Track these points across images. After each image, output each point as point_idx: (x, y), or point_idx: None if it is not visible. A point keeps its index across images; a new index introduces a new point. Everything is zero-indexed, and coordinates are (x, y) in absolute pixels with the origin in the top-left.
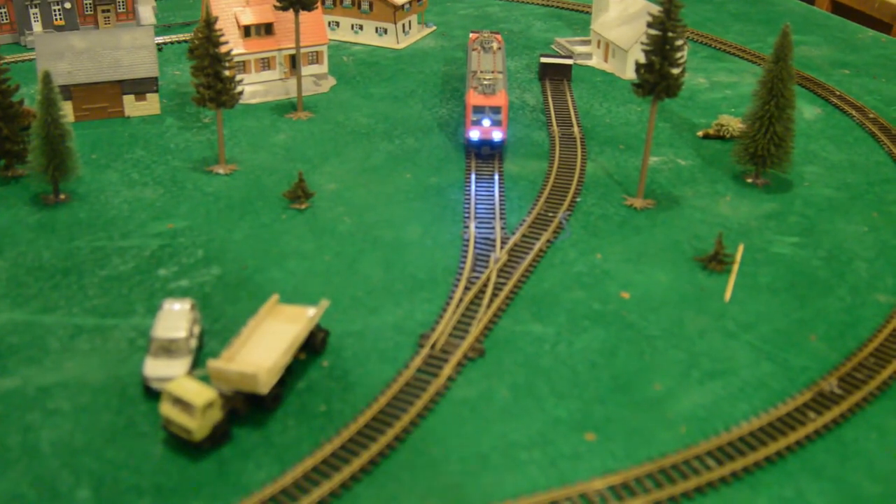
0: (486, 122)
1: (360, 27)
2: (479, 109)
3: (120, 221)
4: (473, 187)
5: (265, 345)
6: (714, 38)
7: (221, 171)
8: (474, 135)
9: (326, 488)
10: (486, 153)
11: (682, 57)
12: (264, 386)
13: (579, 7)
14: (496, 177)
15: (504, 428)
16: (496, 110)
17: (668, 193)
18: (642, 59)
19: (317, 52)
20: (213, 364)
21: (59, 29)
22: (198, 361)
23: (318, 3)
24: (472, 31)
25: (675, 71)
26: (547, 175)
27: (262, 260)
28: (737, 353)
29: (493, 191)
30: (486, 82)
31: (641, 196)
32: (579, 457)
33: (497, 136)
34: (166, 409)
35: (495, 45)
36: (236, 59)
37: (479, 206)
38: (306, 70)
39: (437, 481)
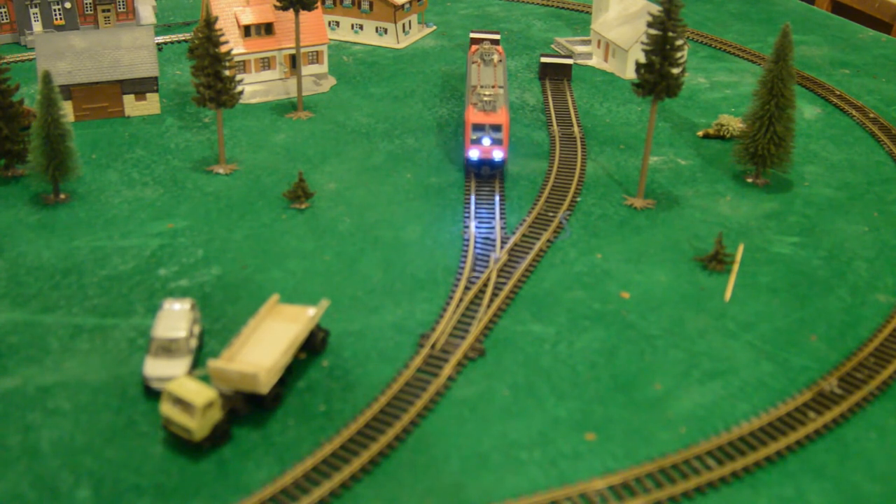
0: (486, 141)
1: (360, 27)
2: (478, 127)
3: (120, 221)
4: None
5: (265, 344)
6: (714, 37)
7: (221, 170)
8: (473, 154)
9: (326, 488)
10: (487, 174)
11: (682, 57)
12: (264, 386)
13: (579, 7)
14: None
15: (504, 428)
16: (497, 128)
17: (668, 193)
18: (642, 59)
19: (317, 51)
20: (214, 364)
21: (59, 29)
22: (198, 361)
23: (318, 3)
24: (472, 32)
25: (675, 71)
26: (547, 175)
27: (262, 260)
28: (737, 353)
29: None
30: (486, 98)
31: (641, 196)
32: (579, 457)
33: (498, 155)
34: (166, 408)
35: (496, 57)
36: (236, 58)
37: (478, 208)
38: (306, 70)
39: (437, 481)
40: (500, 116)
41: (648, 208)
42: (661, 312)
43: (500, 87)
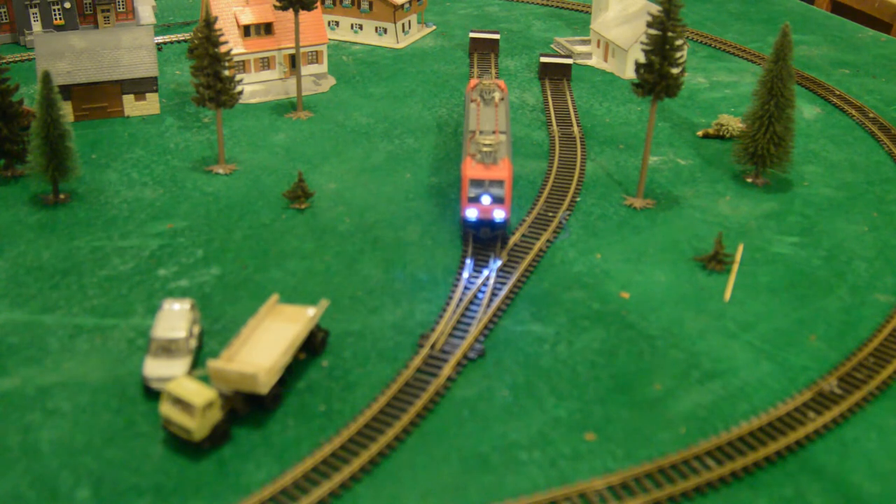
0: (486, 200)
1: (360, 27)
2: (477, 183)
3: (120, 221)
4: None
5: (265, 345)
6: (714, 37)
7: (221, 170)
8: (471, 214)
9: (326, 488)
10: (486, 236)
11: (681, 56)
12: (264, 386)
13: (579, 7)
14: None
15: (504, 428)
16: (498, 184)
17: (668, 193)
18: (642, 59)
19: (316, 51)
20: (213, 364)
21: (59, 29)
22: (198, 361)
23: (318, 3)
24: (472, 31)
25: (675, 71)
26: (547, 175)
27: (262, 260)
28: (737, 353)
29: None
30: (485, 149)
31: (641, 196)
32: (579, 457)
33: (499, 215)
34: (166, 408)
35: (497, 95)
36: (236, 58)
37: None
38: (306, 70)
39: (437, 481)
40: (502, 170)
41: (648, 208)
42: (661, 312)
43: (503, 132)
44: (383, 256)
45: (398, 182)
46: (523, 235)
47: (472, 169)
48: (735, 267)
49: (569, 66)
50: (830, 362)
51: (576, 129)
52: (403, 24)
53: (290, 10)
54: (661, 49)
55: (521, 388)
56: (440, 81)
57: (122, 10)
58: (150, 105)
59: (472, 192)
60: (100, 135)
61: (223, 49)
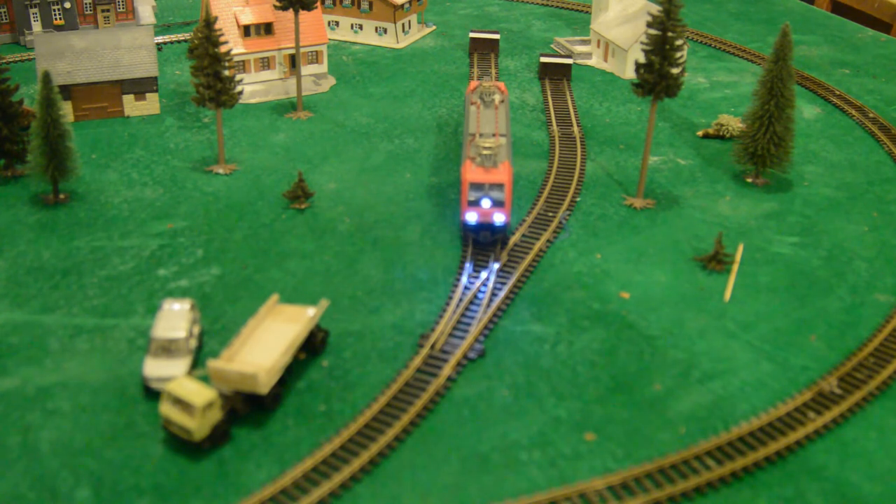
0: (486, 203)
1: (360, 27)
2: (477, 186)
3: (120, 221)
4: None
5: (265, 345)
6: (714, 37)
7: (221, 170)
8: (471, 217)
9: (326, 488)
10: (486, 239)
11: (681, 57)
12: (264, 386)
13: (579, 7)
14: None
15: (504, 428)
16: (498, 187)
17: (668, 193)
18: (642, 59)
19: (316, 51)
20: (213, 364)
21: (59, 29)
22: (198, 361)
23: (318, 3)
24: (472, 31)
25: (675, 71)
26: (547, 175)
27: (262, 260)
28: (737, 353)
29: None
30: (485, 152)
31: (641, 196)
32: (579, 457)
33: (499, 218)
34: (166, 409)
35: (497, 97)
36: (236, 58)
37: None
38: (306, 70)
39: (437, 481)
40: (502, 174)
41: (648, 208)
42: (661, 312)
43: (503, 135)
44: (383, 256)
45: (398, 182)
46: (523, 235)
47: (471, 172)
48: (735, 267)
49: (569, 66)
50: (830, 362)
51: (576, 129)
52: (403, 24)
53: (290, 10)
54: (661, 49)
55: (521, 388)
56: (440, 81)
57: (122, 10)
58: (150, 105)
59: (472, 196)
60: (100, 135)
61: (223, 49)
